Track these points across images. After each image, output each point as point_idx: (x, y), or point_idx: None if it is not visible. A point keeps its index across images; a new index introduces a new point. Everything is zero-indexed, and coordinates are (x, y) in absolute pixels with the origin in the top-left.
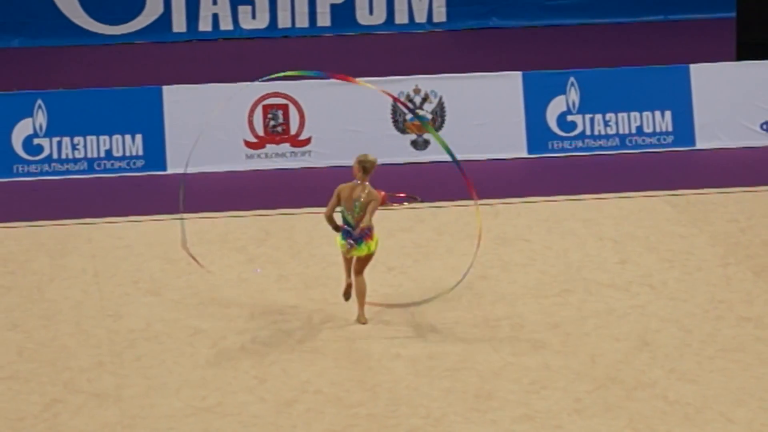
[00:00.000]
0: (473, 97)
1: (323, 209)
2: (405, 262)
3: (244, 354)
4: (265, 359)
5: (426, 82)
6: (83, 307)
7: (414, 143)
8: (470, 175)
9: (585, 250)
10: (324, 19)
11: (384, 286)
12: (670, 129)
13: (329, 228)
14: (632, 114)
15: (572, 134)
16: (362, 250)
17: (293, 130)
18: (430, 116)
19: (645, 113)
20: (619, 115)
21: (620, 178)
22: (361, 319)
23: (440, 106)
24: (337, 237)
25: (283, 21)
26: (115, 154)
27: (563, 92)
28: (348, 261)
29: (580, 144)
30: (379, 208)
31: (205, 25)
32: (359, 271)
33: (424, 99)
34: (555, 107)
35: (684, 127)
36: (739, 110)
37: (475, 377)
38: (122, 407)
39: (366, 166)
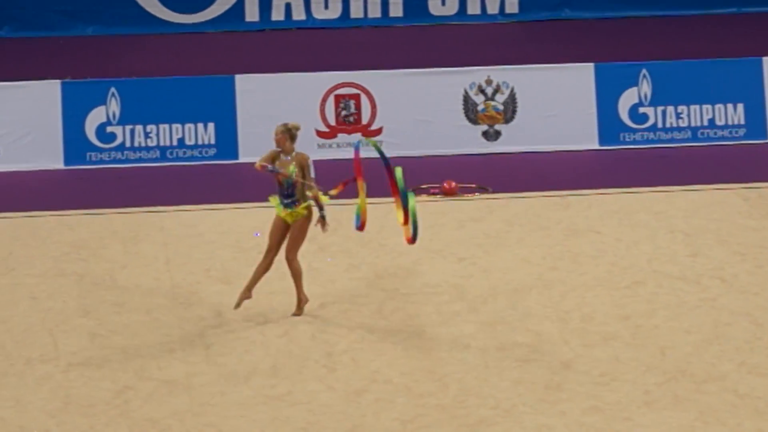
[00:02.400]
0: (545, 88)
1: (395, 199)
2: (475, 252)
3: (314, 343)
4: (335, 348)
5: (498, 74)
6: (155, 294)
7: (485, 134)
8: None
9: (656, 243)
10: (396, 10)
11: (455, 276)
12: (742, 122)
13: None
14: (704, 106)
15: (644, 126)
16: (289, 216)
17: (365, 120)
18: (502, 106)
19: (717, 106)
20: (691, 107)
21: (692, 170)
22: (298, 311)
23: (512, 97)
24: (274, 201)
25: (356, 11)
26: (188, 142)
27: (635, 84)
28: (276, 243)
29: (651, 136)
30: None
31: (277, 15)
32: (293, 256)
33: (496, 90)
34: (627, 99)
35: (756, 120)
36: None
37: (545, 368)
38: (192, 395)
39: (294, 134)
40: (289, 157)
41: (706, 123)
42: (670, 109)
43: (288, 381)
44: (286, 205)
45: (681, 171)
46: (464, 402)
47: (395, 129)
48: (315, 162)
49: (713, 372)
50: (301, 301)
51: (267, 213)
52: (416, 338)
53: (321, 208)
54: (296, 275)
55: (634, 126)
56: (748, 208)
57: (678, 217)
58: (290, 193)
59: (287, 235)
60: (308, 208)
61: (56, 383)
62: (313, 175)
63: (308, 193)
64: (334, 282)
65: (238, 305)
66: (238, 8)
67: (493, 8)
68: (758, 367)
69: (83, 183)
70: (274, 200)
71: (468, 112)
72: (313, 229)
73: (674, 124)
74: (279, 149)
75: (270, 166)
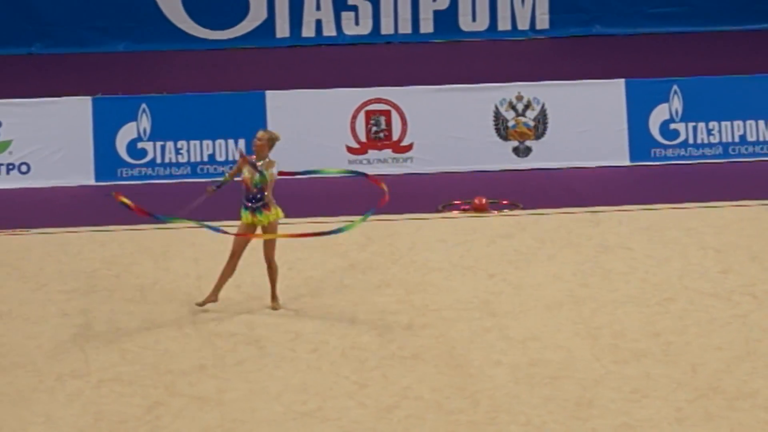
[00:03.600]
0: (576, 104)
1: (425, 215)
2: (506, 268)
3: (345, 359)
4: (366, 364)
5: (528, 89)
6: (185, 309)
7: (516, 150)
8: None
9: (687, 259)
10: (427, 26)
11: (485, 292)
12: None
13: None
14: (735, 123)
15: (675, 142)
16: (264, 219)
17: (395, 136)
18: (532, 122)
19: (748, 122)
20: (723, 123)
21: (723, 186)
22: (275, 305)
23: (542, 113)
24: (243, 212)
25: (386, 27)
26: (218, 158)
27: (666, 100)
28: (239, 249)
29: (682, 152)
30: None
31: (308, 31)
32: (273, 255)
33: (527, 106)
34: (658, 115)
35: None
36: None
37: (576, 385)
38: (223, 411)
39: (273, 144)
40: (260, 163)
41: (737, 139)
42: (701, 125)
43: (319, 397)
44: (253, 210)
45: (712, 187)
46: (495, 419)
47: (426, 145)
48: (345, 178)
49: (744, 389)
50: (276, 297)
51: (297, 229)
52: (447, 355)
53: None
54: (274, 273)
55: (665, 142)
56: None
57: (709, 234)
58: (260, 197)
59: (262, 240)
60: (277, 211)
61: (87, 399)
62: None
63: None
64: (365, 298)
65: (202, 304)
66: (269, 24)
67: (523, 24)
68: None
69: (114, 199)
70: (246, 215)
71: (499, 128)
72: (344, 245)
73: (705, 141)
74: (250, 158)
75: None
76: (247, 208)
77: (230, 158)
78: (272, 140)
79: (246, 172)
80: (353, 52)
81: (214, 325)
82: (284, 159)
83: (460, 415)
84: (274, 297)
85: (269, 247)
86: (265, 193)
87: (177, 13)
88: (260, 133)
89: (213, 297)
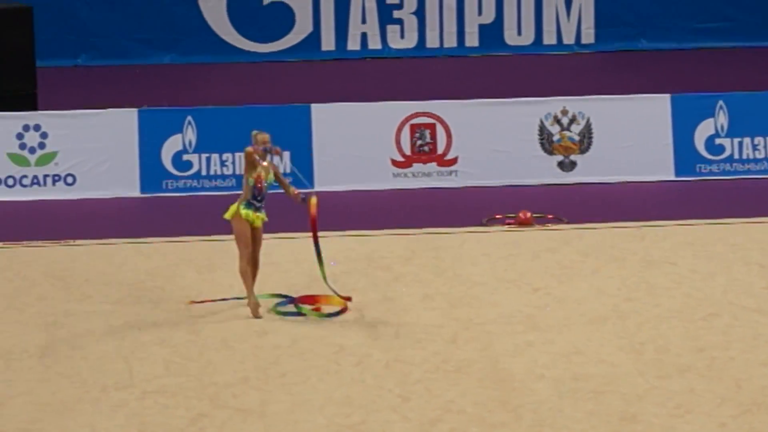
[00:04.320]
0: (621, 118)
1: (469, 229)
2: (550, 282)
3: (389, 372)
4: (409, 378)
5: (574, 104)
6: (229, 322)
7: (561, 164)
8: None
9: (731, 275)
10: (472, 39)
11: (529, 306)
12: None
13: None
14: None
15: (720, 157)
16: (259, 219)
17: (440, 150)
18: (577, 137)
19: None
20: None
21: None
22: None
23: (588, 127)
24: (243, 210)
25: (432, 41)
26: None
27: (712, 115)
28: (248, 244)
29: (728, 167)
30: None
31: (353, 44)
32: (257, 253)
33: (572, 120)
34: (703, 130)
35: None
36: None
37: (620, 400)
38: (266, 423)
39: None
40: (265, 163)
41: None
42: (747, 140)
43: (362, 410)
44: (257, 209)
45: (757, 203)
46: None
47: (470, 159)
48: (389, 192)
49: None
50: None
51: (341, 242)
52: (490, 368)
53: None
54: (254, 272)
55: (710, 157)
56: None
57: (754, 249)
58: (263, 197)
59: (256, 237)
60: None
61: (131, 411)
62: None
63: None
64: (409, 311)
65: (258, 316)
66: (314, 37)
67: (569, 38)
68: None
69: (159, 211)
70: (239, 208)
71: (543, 143)
72: (388, 258)
73: (751, 156)
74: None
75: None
76: (250, 205)
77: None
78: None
79: (261, 170)
80: (398, 66)
81: (258, 338)
82: (329, 172)
83: (503, 429)
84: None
85: (258, 249)
86: (265, 195)
87: (223, 26)
88: (267, 136)
89: (256, 302)
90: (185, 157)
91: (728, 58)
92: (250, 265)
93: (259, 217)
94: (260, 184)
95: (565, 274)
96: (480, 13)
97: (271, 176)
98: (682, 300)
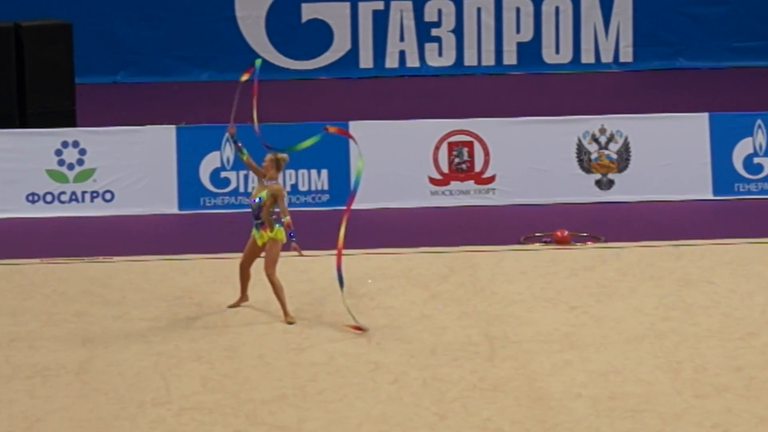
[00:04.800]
0: (659, 137)
1: (507, 247)
2: (587, 301)
3: (426, 390)
4: (446, 396)
5: (612, 122)
6: (267, 339)
7: (598, 183)
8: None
9: None
10: (510, 58)
11: (566, 325)
12: None
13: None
14: None
15: (759, 177)
16: (264, 237)
17: (478, 168)
18: (615, 155)
19: None
20: None
21: None
22: (288, 318)
23: (625, 146)
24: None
25: (470, 59)
26: (301, 188)
27: (750, 134)
28: (247, 260)
29: (766, 186)
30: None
31: (391, 62)
32: (271, 272)
33: (610, 139)
34: (741, 149)
35: None
36: None
37: (657, 419)
38: None
39: (281, 165)
40: (271, 182)
41: None
42: None
43: (399, 428)
44: (255, 226)
45: None
46: None
47: (508, 177)
48: (427, 209)
49: None
50: (287, 313)
51: (378, 259)
52: (527, 387)
53: (291, 234)
54: (277, 289)
55: (748, 176)
56: None
57: None
58: (257, 215)
59: (261, 254)
60: (275, 232)
61: (168, 427)
62: (286, 204)
63: (283, 220)
64: (446, 329)
65: (233, 306)
66: (353, 55)
67: (607, 57)
68: None
69: (197, 228)
70: (254, 232)
71: (581, 161)
72: (425, 276)
73: None
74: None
75: (236, 139)
76: (254, 225)
77: (313, 188)
78: (277, 161)
79: (255, 189)
80: (436, 84)
81: (295, 355)
82: (366, 190)
83: None
84: (285, 313)
85: (265, 263)
86: (262, 212)
87: (261, 43)
88: (268, 155)
89: (243, 298)
90: (223, 174)
91: (766, 77)
92: (241, 270)
93: (259, 235)
94: (251, 201)
95: (602, 293)
96: (518, 31)
97: (265, 193)
98: (720, 319)
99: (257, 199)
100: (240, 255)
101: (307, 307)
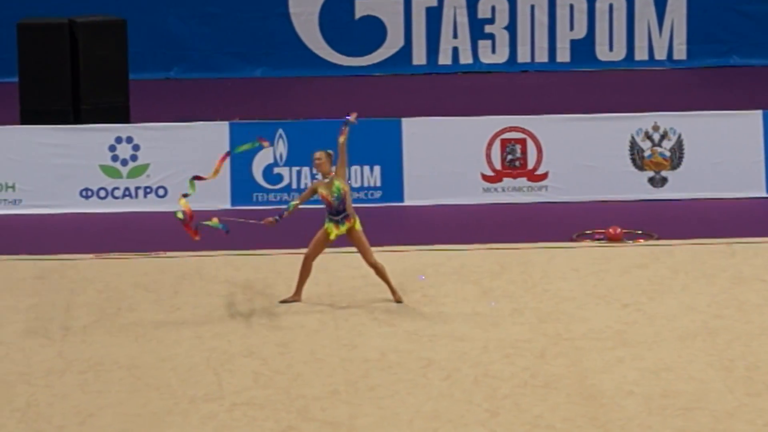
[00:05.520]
0: (712, 135)
1: (559, 244)
2: (640, 299)
3: (477, 387)
4: (498, 392)
5: (665, 120)
6: (318, 335)
7: (651, 180)
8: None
9: None
10: (563, 55)
11: (618, 322)
12: None
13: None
14: None
15: None
16: (343, 229)
17: (530, 165)
18: (668, 153)
19: None
20: None
21: None
22: (397, 297)
23: (679, 143)
24: (328, 224)
25: (523, 56)
26: (354, 184)
27: None
28: (315, 254)
29: None
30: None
31: (444, 59)
32: (372, 259)
33: (663, 136)
34: None
35: None
36: None
37: (709, 417)
38: None
39: (332, 158)
40: (327, 179)
41: None
42: None
43: (450, 425)
44: (337, 222)
45: None
46: None
47: (561, 174)
48: (479, 206)
49: None
50: (395, 292)
51: (430, 256)
52: (579, 384)
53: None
54: (381, 272)
55: None
56: None
57: None
58: (341, 209)
59: (355, 246)
60: (354, 222)
61: (220, 422)
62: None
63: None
64: (498, 326)
65: (285, 301)
66: (406, 52)
67: (660, 54)
68: None
69: (249, 223)
70: (330, 227)
71: (634, 158)
72: (477, 273)
73: None
74: (319, 179)
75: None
76: (331, 221)
77: (365, 184)
78: (330, 156)
79: (323, 190)
80: (489, 80)
81: (347, 351)
82: (419, 186)
83: None
84: (392, 291)
85: (363, 253)
86: (345, 203)
87: (314, 40)
88: (317, 153)
89: (296, 297)
90: (276, 170)
91: None
92: (304, 263)
93: (340, 230)
94: (327, 201)
95: (654, 290)
96: (572, 28)
97: (336, 187)
98: None
99: (336, 195)
100: (291, 251)
101: (359, 303)
